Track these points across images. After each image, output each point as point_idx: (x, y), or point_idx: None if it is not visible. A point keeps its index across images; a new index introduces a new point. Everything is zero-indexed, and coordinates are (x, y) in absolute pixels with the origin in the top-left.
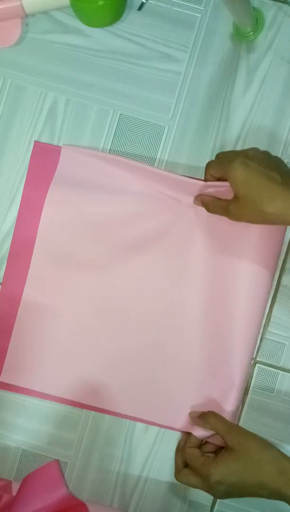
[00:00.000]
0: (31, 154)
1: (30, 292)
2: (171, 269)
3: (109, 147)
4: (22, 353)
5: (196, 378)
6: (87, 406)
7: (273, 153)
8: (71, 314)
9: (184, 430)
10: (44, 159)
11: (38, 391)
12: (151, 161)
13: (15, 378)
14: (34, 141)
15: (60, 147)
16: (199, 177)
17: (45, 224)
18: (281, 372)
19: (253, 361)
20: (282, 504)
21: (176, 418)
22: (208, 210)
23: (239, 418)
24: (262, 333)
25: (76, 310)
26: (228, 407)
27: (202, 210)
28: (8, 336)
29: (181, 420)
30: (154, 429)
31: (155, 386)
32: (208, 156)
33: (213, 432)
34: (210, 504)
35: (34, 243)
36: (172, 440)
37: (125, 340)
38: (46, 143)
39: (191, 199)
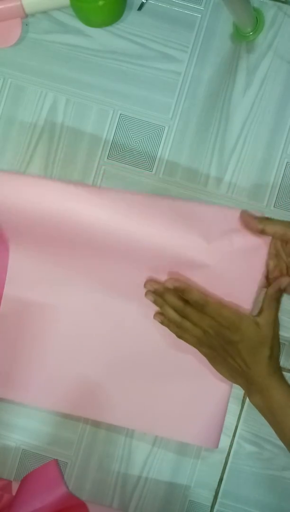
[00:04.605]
0: None
1: (11, 291)
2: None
3: (109, 147)
4: (11, 363)
5: (195, 387)
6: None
7: (273, 153)
8: (65, 319)
9: (182, 441)
10: None
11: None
12: (151, 161)
13: (6, 392)
14: None
15: None
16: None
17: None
18: None
19: None
20: (282, 504)
21: (175, 428)
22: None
23: (239, 417)
24: None
25: (69, 315)
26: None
27: None
28: None
29: (180, 430)
30: None
31: (153, 396)
32: (208, 156)
33: None
34: (210, 504)
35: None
36: (172, 439)
37: (121, 347)
38: None
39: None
